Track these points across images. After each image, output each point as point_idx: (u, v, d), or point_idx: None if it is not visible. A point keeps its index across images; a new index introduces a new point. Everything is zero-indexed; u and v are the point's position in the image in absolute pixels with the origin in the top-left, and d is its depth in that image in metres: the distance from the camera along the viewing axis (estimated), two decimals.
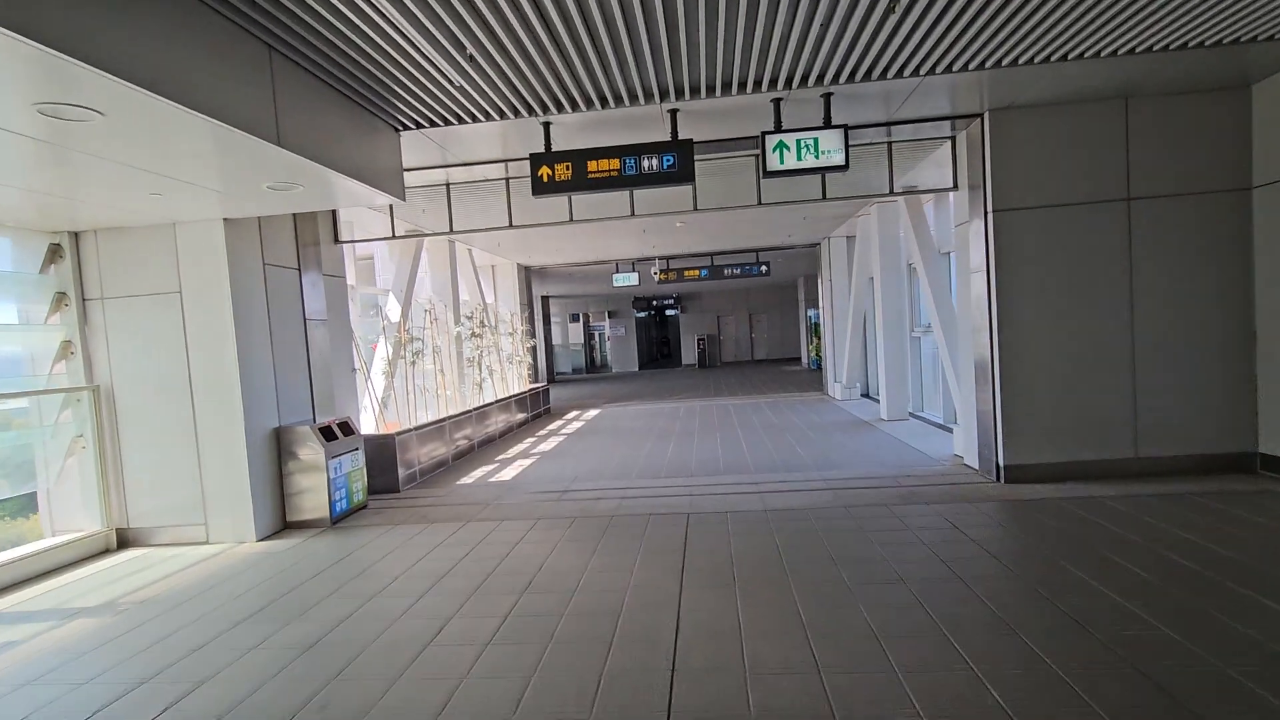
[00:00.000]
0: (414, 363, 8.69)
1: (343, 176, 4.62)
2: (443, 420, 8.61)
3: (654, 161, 5.24)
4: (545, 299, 24.40)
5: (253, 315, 5.77)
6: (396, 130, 5.43)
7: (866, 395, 13.26)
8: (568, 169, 5.37)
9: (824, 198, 6.67)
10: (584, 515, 5.75)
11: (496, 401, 10.81)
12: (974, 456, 6.46)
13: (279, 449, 5.96)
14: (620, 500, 6.20)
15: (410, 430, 7.59)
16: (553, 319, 28.12)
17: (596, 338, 30.56)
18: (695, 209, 6.84)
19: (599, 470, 7.72)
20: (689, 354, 28.33)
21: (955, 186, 6.39)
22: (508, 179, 7.02)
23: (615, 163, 5.29)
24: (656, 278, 14.79)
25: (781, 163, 5.33)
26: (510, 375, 12.89)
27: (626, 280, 15.13)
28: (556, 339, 28.38)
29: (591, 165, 5.33)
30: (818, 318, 21.85)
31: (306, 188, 4.76)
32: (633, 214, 6.96)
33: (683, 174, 5.25)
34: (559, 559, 4.68)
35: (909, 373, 10.42)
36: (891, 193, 6.66)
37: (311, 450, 5.93)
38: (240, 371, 5.55)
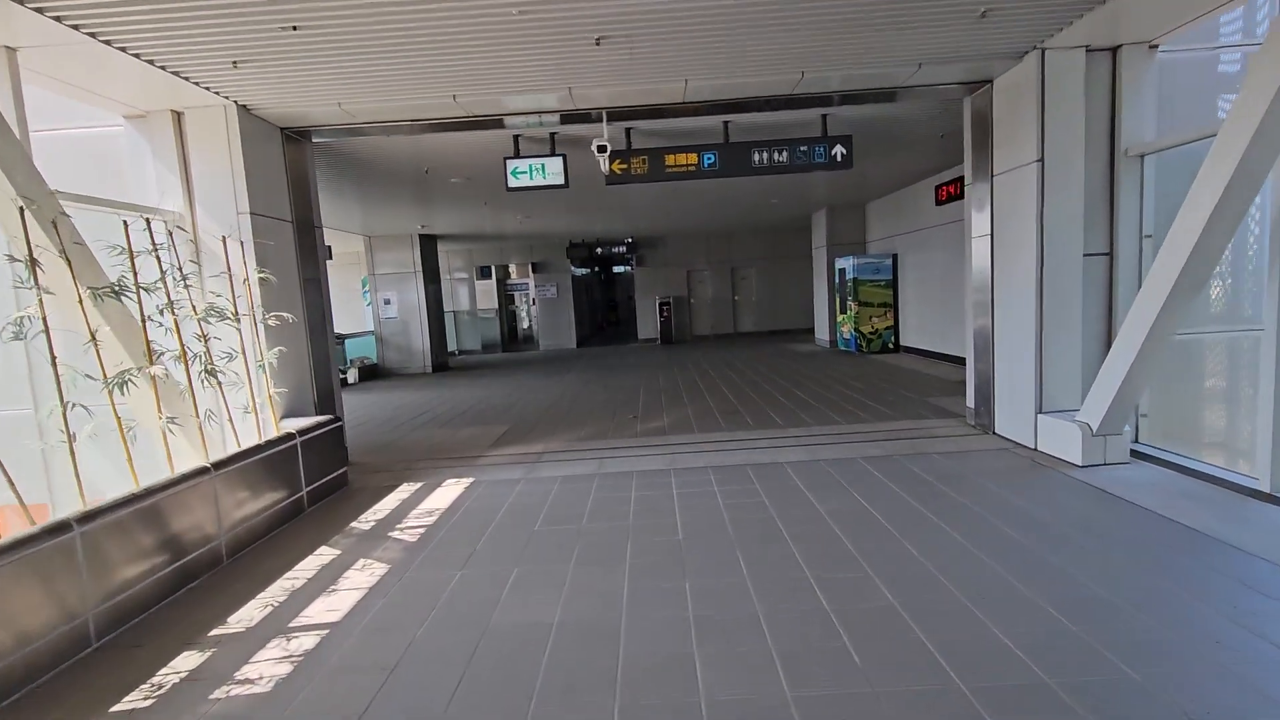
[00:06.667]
0: None
1: None
2: None
3: None
4: (431, 239, 15.73)
5: None
6: None
7: (1139, 454, 5.43)
8: None
9: None
10: None
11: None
12: None
13: None
14: None
15: None
16: (455, 274, 19.54)
17: (517, 301, 22.02)
18: None
19: None
20: (647, 325, 20.15)
21: None
22: None
23: None
24: (606, 168, 6.50)
25: None
26: (204, 411, 4.52)
27: (534, 176, 6.71)
28: (462, 303, 19.72)
29: None
30: (856, 272, 14.00)
31: None
32: None
33: None
34: None
35: None
36: None
37: None
38: None
